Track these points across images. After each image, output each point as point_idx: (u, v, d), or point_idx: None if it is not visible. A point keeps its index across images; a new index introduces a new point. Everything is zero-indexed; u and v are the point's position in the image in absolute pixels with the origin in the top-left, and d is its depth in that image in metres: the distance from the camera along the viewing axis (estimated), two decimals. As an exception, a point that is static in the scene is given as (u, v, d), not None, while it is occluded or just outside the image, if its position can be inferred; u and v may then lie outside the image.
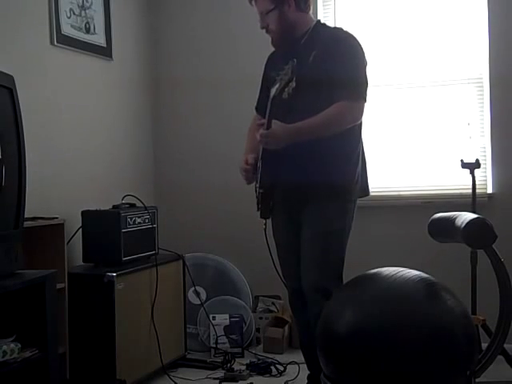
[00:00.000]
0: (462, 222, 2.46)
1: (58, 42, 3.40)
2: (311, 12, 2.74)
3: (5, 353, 2.33)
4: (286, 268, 2.82)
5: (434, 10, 3.89)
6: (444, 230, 2.71)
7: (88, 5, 3.67)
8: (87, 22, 3.66)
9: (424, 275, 2.26)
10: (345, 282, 2.40)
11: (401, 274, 2.24)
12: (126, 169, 4.02)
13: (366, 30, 3.98)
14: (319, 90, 2.56)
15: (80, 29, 3.60)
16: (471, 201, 3.28)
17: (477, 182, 3.31)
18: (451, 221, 2.60)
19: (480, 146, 3.80)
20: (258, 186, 2.69)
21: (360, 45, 2.64)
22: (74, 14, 3.54)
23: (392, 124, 3.97)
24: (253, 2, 2.71)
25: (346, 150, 2.64)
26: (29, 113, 2.72)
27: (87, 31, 3.66)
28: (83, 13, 3.63)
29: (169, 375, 3.38)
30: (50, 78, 3.37)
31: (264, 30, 2.73)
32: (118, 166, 3.94)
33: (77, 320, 3.07)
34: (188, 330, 3.80)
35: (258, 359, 3.63)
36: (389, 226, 3.89)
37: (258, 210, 2.74)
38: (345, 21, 4.02)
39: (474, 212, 2.97)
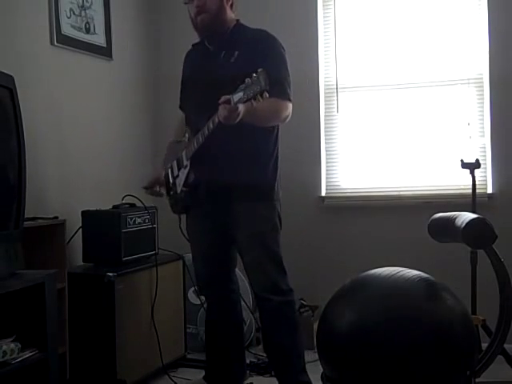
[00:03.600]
0: (462, 222, 2.46)
1: (58, 41, 3.40)
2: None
3: (5, 353, 2.34)
4: (208, 275, 2.86)
5: (433, 10, 3.89)
6: (444, 230, 2.71)
7: (88, 5, 3.67)
8: (87, 22, 3.66)
9: (424, 275, 2.26)
10: (344, 282, 2.40)
11: (401, 273, 2.24)
12: (125, 169, 4.02)
13: (366, 30, 3.99)
14: None
15: (80, 29, 3.60)
16: (471, 201, 3.28)
17: (477, 182, 3.31)
18: (451, 221, 2.59)
19: (480, 146, 3.80)
20: (181, 184, 2.75)
21: (283, 47, 2.68)
22: (74, 14, 3.54)
23: (392, 124, 3.97)
24: None
25: (269, 150, 2.71)
26: (29, 113, 2.72)
27: (87, 31, 3.66)
28: (83, 13, 3.63)
29: (169, 375, 3.38)
30: (50, 77, 3.37)
31: (196, 11, 2.65)
32: (118, 165, 3.94)
33: (77, 320, 3.06)
34: (188, 330, 3.79)
35: (258, 359, 3.63)
36: (389, 226, 3.89)
37: (172, 210, 2.87)
38: (345, 21, 4.02)
39: (474, 212, 2.96)
